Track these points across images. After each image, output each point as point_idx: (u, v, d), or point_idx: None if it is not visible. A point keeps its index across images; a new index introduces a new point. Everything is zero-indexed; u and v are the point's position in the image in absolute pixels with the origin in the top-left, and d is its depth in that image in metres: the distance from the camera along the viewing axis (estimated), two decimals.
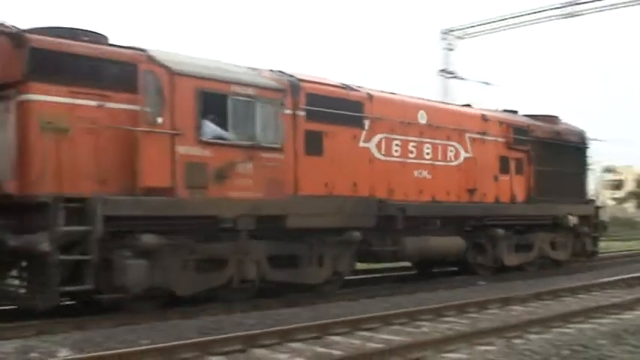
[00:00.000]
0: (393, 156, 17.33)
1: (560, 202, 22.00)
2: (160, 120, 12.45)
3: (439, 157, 18.55)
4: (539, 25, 31.24)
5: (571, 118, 24.76)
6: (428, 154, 18.20)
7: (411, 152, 17.84)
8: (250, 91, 13.85)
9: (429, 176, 18.22)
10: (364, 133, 16.64)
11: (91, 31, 13.18)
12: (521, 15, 30.49)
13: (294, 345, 10.16)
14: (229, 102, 13.46)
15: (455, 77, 32.65)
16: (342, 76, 68.24)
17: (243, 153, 13.67)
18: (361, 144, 16.54)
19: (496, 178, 20.29)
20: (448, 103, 22.96)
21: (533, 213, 21.30)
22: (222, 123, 13.48)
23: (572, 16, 29.83)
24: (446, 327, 12.25)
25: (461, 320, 12.99)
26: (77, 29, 12.97)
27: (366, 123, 16.72)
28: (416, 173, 17.89)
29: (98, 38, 13.21)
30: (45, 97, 11.83)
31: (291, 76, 15.51)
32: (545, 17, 30.40)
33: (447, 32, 32.81)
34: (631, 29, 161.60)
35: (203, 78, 13.19)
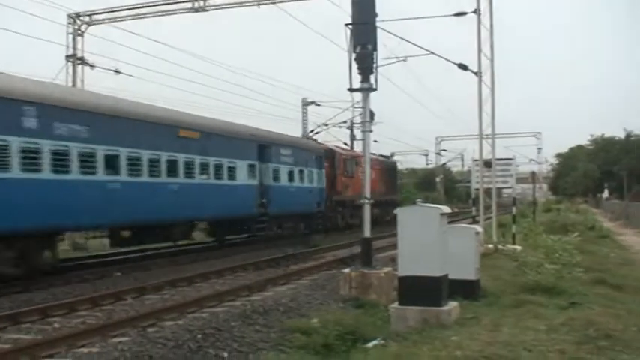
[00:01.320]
0: None
1: None
2: None
3: None
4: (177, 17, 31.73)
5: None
6: None
7: None
8: None
9: None
10: None
11: None
12: (154, 5, 30.56)
13: None
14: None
15: (84, 64, 31.43)
16: None
17: None
18: None
19: None
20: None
21: None
22: None
23: (203, 11, 30.90)
24: (79, 321, 11.88)
25: (95, 313, 12.70)
26: None
27: None
28: None
29: None
30: None
31: None
32: (177, 9, 31.03)
33: (76, 17, 31.45)
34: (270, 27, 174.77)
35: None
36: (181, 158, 21.34)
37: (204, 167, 22.82)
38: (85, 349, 9.44)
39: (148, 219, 19.94)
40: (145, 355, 8.55)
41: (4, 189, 14.88)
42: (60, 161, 16.40)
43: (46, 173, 15.98)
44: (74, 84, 30.74)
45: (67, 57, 31.60)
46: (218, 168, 23.66)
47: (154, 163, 20.07)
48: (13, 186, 15.08)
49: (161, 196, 20.26)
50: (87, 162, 17.29)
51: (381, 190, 40.89)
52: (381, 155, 48.61)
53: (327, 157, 34.59)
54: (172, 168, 20.92)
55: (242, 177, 25.47)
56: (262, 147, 27.06)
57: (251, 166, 25.95)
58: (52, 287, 15.64)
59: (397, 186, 51.32)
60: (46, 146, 15.91)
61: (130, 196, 18.93)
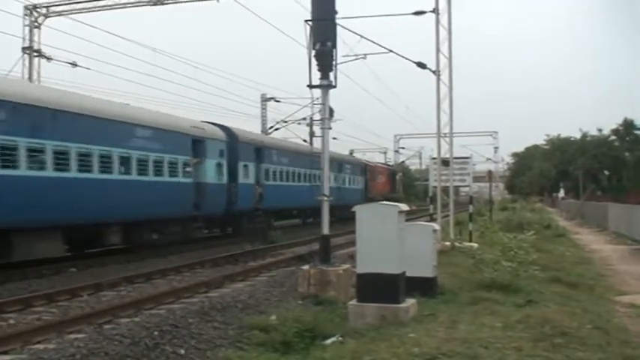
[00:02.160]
0: None
1: None
2: None
3: None
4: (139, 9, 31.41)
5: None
6: None
7: None
8: None
9: None
10: None
11: None
12: None
13: None
14: None
15: (41, 56, 30.88)
16: None
17: None
18: None
19: None
20: None
21: None
22: None
23: (161, 4, 30.65)
24: (35, 317, 11.69)
25: (51, 309, 12.52)
26: None
27: None
28: None
29: None
30: None
31: None
32: (136, 2, 30.73)
33: (32, 8, 30.88)
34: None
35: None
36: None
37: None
38: (40, 346, 9.30)
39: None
40: (101, 352, 8.44)
41: None
42: None
43: None
44: (30, 77, 30.19)
45: (24, 49, 31.02)
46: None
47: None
48: None
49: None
50: None
51: (387, 190, 57.78)
52: (386, 164, 69.26)
53: (363, 168, 51.59)
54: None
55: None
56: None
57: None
58: (8, 283, 15.36)
59: (396, 186, 66.25)
60: None
61: None
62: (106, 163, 19.94)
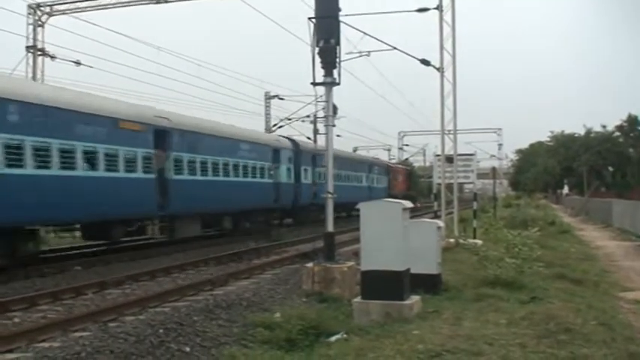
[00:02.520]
0: None
1: None
2: None
3: None
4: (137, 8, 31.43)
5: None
6: None
7: None
8: None
9: None
10: None
11: None
12: None
13: None
14: None
15: (45, 55, 30.89)
16: None
17: None
18: None
19: None
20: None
21: None
22: None
23: (164, 2, 30.67)
24: (40, 316, 11.72)
25: (56, 308, 12.54)
26: None
27: None
28: None
29: None
30: None
31: None
32: (139, 0, 30.75)
33: (36, 7, 30.88)
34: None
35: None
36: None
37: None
38: (45, 344, 9.31)
39: None
40: (107, 350, 8.46)
41: None
42: None
43: None
44: (34, 76, 30.23)
45: (28, 48, 31.05)
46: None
47: None
48: None
49: None
50: None
51: (404, 188, 64.16)
52: (404, 163, 76.53)
53: (387, 169, 60.27)
54: None
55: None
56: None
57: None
58: (12, 282, 15.40)
59: (412, 185, 72.06)
60: None
61: None
62: (227, 170, 26.94)
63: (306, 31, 14.35)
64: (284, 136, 37.21)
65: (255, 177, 29.72)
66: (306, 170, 36.42)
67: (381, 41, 22.12)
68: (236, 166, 27.85)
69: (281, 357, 8.28)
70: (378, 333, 9.42)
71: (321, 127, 35.41)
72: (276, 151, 32.62)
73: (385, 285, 10.64)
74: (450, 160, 24.69)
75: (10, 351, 9.02)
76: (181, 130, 23.82)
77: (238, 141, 28.57)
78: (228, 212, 27.80)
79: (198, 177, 24.73)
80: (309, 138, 43.06)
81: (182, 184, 23.38)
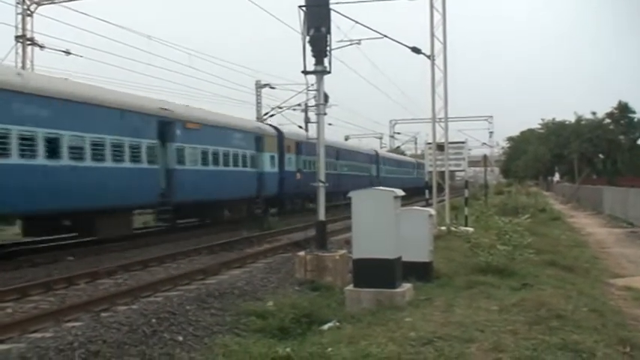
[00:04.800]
0: None
1: None
2: None
3: None
4: None
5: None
6: None
7: None
8: None
9: None
10: None
11: None
12: None
13: None
14: None
15: (34, 45, 30.66)
16: None
17: None
18: None
19: None
20: None
21: None
22: None
23: None
24: (32, 306, 11.71)
25: (48, 298, 12.53)
26: None
27: None
28: None
29: None
30: None
31: None
32: None
33: None
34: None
35: None
36: None
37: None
38: (38, 335, 9.31)
39: None
40: (99, 340, 8.46)
41: None
42: None
43: None
44: (24, 65, 30.02)
45: (17, 37, 30.82)
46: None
47: None
48: None
49: None
50: None
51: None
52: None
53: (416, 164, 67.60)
54: None
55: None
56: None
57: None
58: (3, 272, 15.35)
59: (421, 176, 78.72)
60: None
61: None
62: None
63: (297, 19, 14.33)
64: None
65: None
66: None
67: (372, 29, 22.09)
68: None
69: (274, 345, 8.29)
70: (370, 321, 9.45)
71: (312, 115, 35.33)
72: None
73: (377, 273, 10.67)
74: (441, 147, 24.72)
75: (2, 342, 9.00)
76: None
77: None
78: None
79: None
80: (300, 127, 43.10)
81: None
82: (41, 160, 17.55)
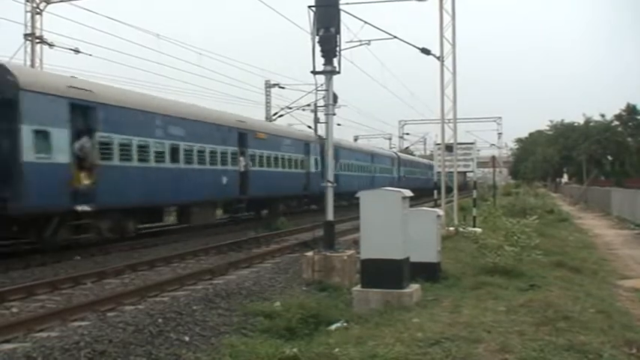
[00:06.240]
0: None
1: None
2: None
3: None
4: None
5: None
6: None
7: None
8: None
9: None
10: None
11: None
12: None
13: None
14: None
15: (43, 43, 30.70)
16: None
17: None
18: None
19: None
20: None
21: None
22: None
23: None
24: (38, 305, 11.71)
25: (55, 297, 12.53)
26: None
27: None
28: None
29: None
30: None
31: None
32: None
33: None
34: None
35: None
36: None
37: None
38: (44, 334, 9.30)
39: None
40: (105, 340, 8.45)
41: None
42: None
43: None
44: (32, 63, 30.08)
45: (26, 35, 30.88)
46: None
47: None
48: None
49: None
50: None
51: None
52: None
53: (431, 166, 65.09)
54: None
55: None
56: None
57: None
58: (11, 271, 15.39)
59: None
60: None
61: None
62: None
63: (306, 19, 14.31)
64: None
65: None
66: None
67: (382, 30, 22.05)
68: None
69: (281, 346, 8.27)
70: (377, 321, 9.42)
71: (321, 115, 35.80)
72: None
73: (385, 273, 10.64)
74: (450, 148, 24.66)
75: (8, 341, 9.00)
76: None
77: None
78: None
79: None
80: (309, 127, 43.17)
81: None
82: (183, 164, 23.75)
